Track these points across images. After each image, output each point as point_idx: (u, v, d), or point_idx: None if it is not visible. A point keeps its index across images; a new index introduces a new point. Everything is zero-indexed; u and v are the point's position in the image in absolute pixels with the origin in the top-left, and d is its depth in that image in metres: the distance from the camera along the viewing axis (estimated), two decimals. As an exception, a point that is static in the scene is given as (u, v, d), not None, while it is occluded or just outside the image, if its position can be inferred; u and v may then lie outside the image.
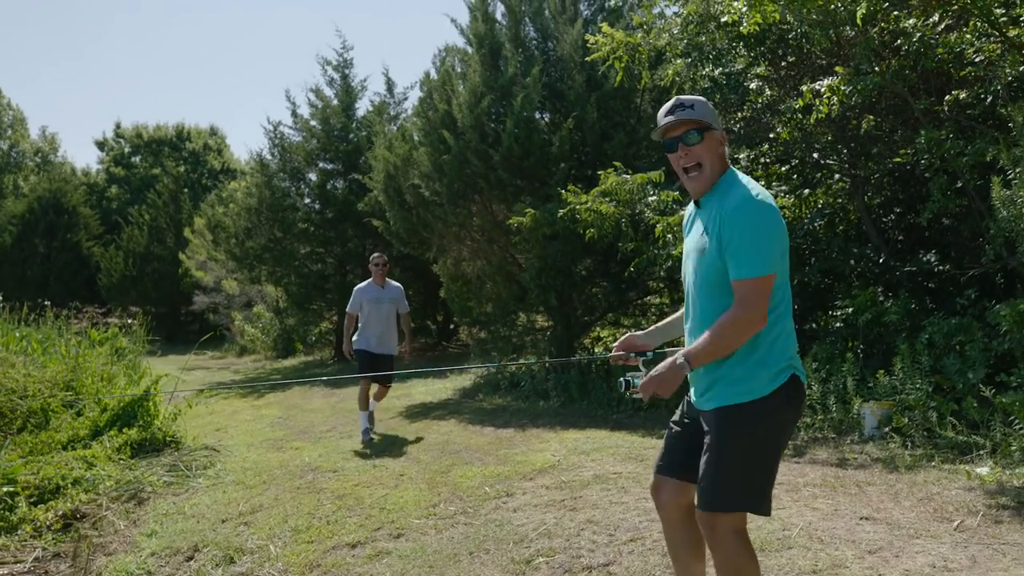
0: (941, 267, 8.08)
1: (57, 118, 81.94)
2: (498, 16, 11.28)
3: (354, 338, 8.74)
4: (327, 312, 19.52)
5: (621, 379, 2.90)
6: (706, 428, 2.75)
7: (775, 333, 2.69)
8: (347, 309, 8.85)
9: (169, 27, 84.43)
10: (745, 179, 2.75)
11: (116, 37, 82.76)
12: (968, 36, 6.30)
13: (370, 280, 8.81)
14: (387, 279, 8.92)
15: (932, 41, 6.24)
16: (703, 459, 2.70)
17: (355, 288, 8.83)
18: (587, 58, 9.38)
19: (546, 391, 10.27)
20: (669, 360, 2.72)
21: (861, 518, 4.17)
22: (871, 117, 6.94)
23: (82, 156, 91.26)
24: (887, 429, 6.22)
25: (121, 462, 7.52)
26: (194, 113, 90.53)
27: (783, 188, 9.87)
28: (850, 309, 7.76)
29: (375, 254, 9.02)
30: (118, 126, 41.28)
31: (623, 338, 3.13)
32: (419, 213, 11.49)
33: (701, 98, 2.83)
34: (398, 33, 79.45)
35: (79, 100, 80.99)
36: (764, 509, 2.70)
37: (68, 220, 33.01)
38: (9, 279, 30.97)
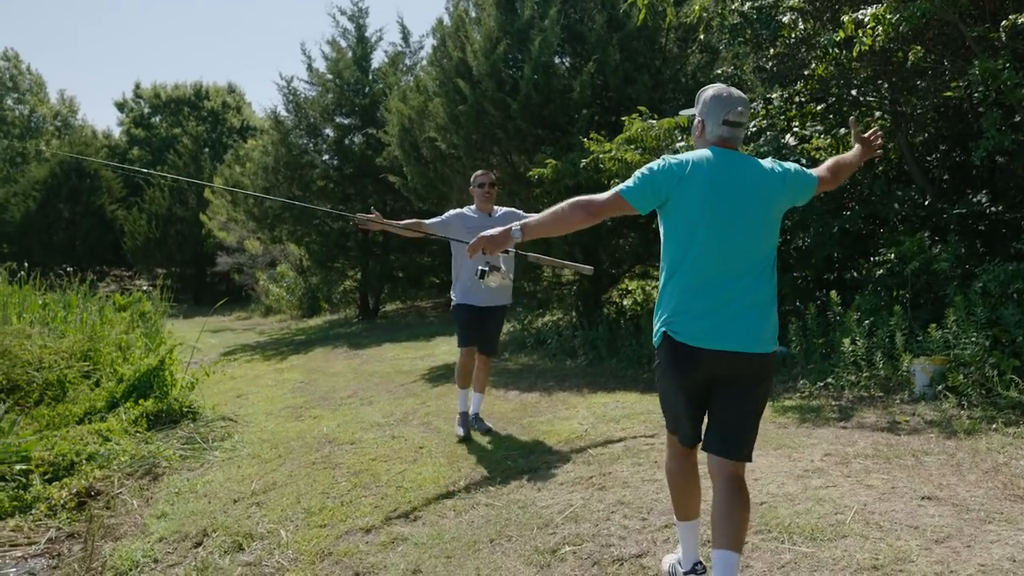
0: (994, 208, 7.53)
1: (76, 81, 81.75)
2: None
3: (452, 291, 6.28)
4: (350, 271, 19.28)
5: (479, 267, 3.62)
6: (749, 376, 2.93)
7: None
8: (427, 221, 6.07)
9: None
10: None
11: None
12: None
13: (472, 206, 6.24)
14: (495, 206, 6.26)
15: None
16: (740, 412, 2.93)
17: (450, 212, 6.25)
18: (607, -5, 8.82)
19: (573, 349, 9.90)
20: (505, 227, 3.19)
21: (922, 498, 3.75)
22: (918, 48, 6.36)
23: (102, 119, 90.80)
24: (940, 388, 5.77)
25: (137, 435, 7.31)
26: (212, 71, 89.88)
27: (818, 128, 9.31)
28: (894, 256, 7.27)
29: (479, 172, 6.36)
30: (137, 86, 41.00)
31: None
32: (436, 167, 11.04)
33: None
34: (415, -19, 78.16)
35: (97, 62, 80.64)
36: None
37: (91, 184, 32.94)
38: (36, 245, 31.05)
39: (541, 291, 11.97)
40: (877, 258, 7.95)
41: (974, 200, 7.67)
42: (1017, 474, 4.02)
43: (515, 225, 3.16)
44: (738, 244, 2.87)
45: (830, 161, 3.44)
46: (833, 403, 6.10)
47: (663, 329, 2.94)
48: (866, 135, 3.61)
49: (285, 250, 22.78)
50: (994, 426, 4.97)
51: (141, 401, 7.93)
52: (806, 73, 8.99)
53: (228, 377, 11.85)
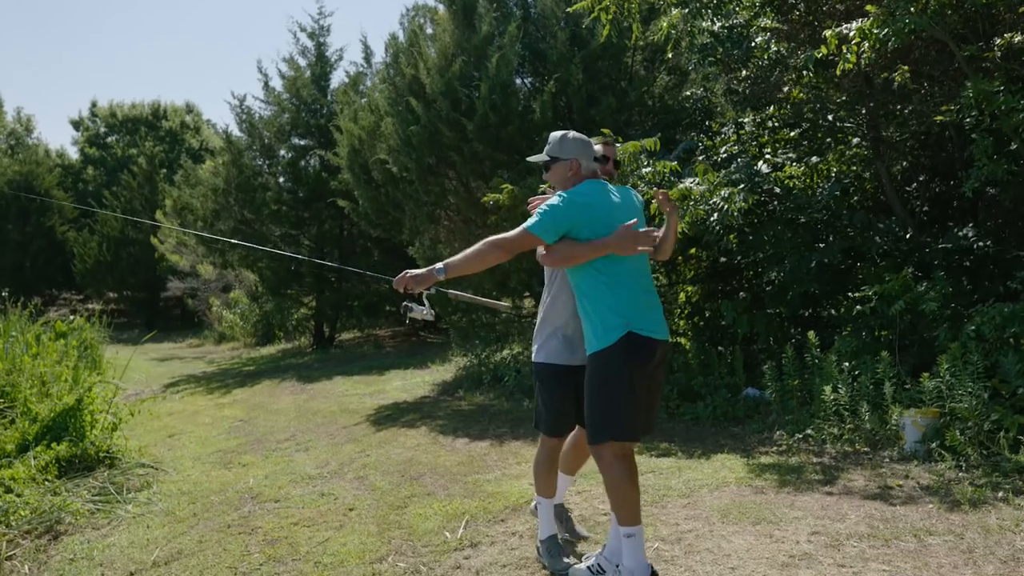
0: (981, 243, 6.99)
1: (33, 99, 79.95)
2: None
3: (536, 343, 3.90)
4: (305, 298, 18.51)
5: (404, 304, 3.71)
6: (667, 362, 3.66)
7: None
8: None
9: (145, 2, 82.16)
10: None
11: (90, 14, 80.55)
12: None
13: None
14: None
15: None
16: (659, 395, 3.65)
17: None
18: (569, 8, 8.21)
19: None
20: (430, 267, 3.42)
21: (936, 600, 3.09)
22: (904, 68, 5.81)
23: (58, 137, 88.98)
24: (934, 444, 5.15)
25: (46, 484, 6.49)
26: (170, 90, 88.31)
27: (790, 155, 8.78)
28: (872, 293, 6.68)
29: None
30: (94, 104, 39.84)
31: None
32: (388, 191, 10.35)
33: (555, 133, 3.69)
34: (380, 2, 77.43)
35: (54, 79, 78.92)
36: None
37: (41, 204, 31.74)
38: (-16, 267, 29.79)
39: (500, 323, 11.28)
40: (856, 295, 7.38)
41: (959, 234, 7.13)
42: (1043, 566, 3.37)
43: (438, 265, 3.39)
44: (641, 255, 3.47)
45: None
46: (815, 460, 5.45)
47: (623, 326, 3.33)
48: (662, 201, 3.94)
49: (240, 275, 21.92)
50: (1000, 494, 4.34)
51: (54, 444, 7.12)
52: (780, 96, 8.48)
53: (165, 413, 11.05)
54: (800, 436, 5.99)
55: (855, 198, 8.75)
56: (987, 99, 5.40)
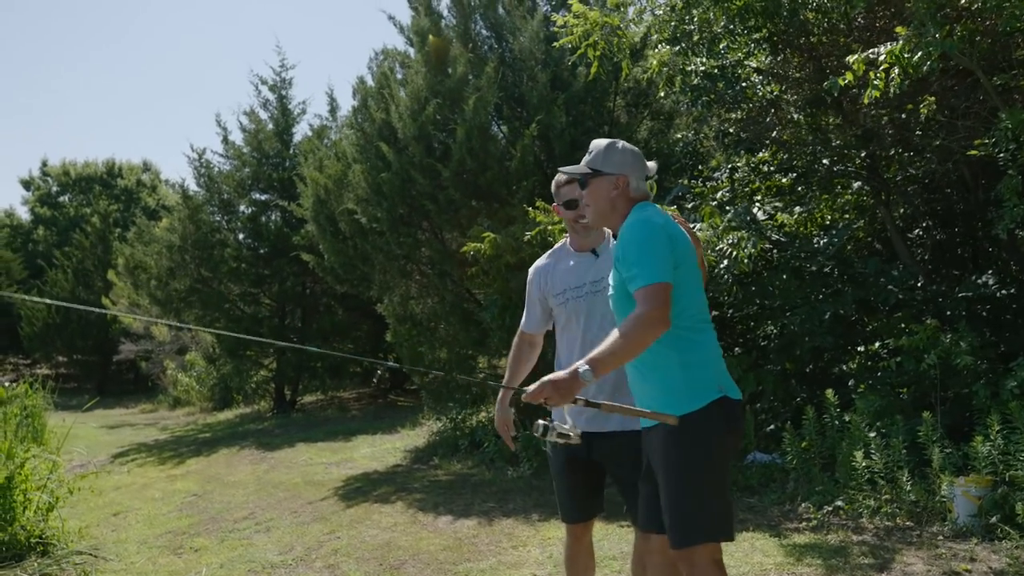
0: (1006, 291, 6.48)
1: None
2: (443, 10, 9.59)
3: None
4: (264, 359, 17.63)
5: (539, 422, 2.65)
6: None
7: None
8: (522, 325, 3.59)
9: (99, 58, 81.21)
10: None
11: (42, 69, 79.38)
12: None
13: (562, 244, 3.56)
14: (608, 233, 3.43)
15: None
16: None
17: (532, 268, 3.58)
18: (555, 43, 7.68)
19: (515, 454, 8.45)
20: (563, 371, 2.62)
21: None
22: (931, 99, 5.33)
23: (8, 197, 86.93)
24: (994, 519, 4.51)
25: (-33, 577, 5.69)
26: (126, 148, 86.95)
27: (776, 204, 8.33)
28: (900, 346, 6.10)
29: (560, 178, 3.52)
30: (44, 163, 38.74)
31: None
32: (356, 244, 9.64)
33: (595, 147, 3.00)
34: (346, 54, 77.57)
35: (2, 139, 77.20)
36: None
37: (-13, 266, 30.57)
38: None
39: (476, 384, 10.53)
40: (874, 348, 6.80)
41: (979, 281, 6.62)
42: None
43: (581, 365, 2.57)
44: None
45: None
46: (855, 538, 4.78)
47: (716, 389, 2.70)
48: None
49: (196, 336, 20.97)
50: (1092, 581, 3.70)
51: (-22, 531, 6.27)
52: (772, 136, 8.02)
53: (111, 487, 10.15)
54: (829, 509, 5.32)
55: (848, 247, 8.29)
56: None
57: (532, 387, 2.60)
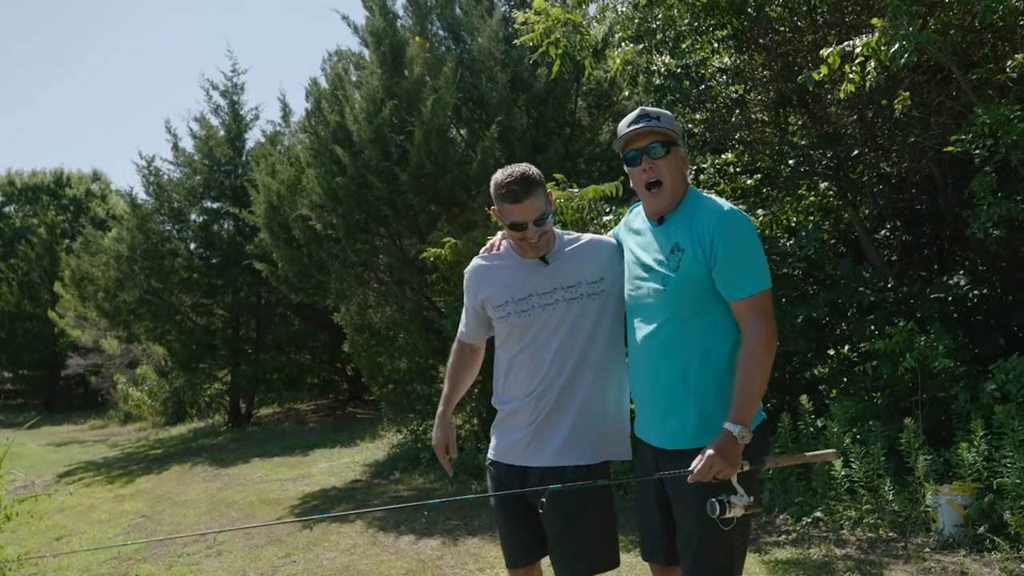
0: (978, 291, 6.36)
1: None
2: (399, 10, 9.30)
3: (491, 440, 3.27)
4: (219, 372, 17.15)
5: (712, 501, 2.34)
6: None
7: None
8: (459, 334, 3.20)
9: (47, 65, 79.47)
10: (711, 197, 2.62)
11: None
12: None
13: (503, 244, 3.01)
14: (559, 236, 2.94)
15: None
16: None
17: (467, 270, 3.08)
18: (515, 42, 7.43)
19: (478, 467, 8.16)
20: (719, 438, 2.40)
21: None
22: (906, 95, 5.17)
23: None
24: (982, 528, 4.32)
25: None
26: (75, 157, 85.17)
27: (742, 204, 8.17)
28: (863, 348, 5.96)
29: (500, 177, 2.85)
30: (-11, 173, 37.64)
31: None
32: (311, 251, 9.30)
33: (667, 112, 2.62)
34: (299, 59, 76.64)
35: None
36: None
37: (-72, 279, 29.46)
38: None
39: (436, 395, 10.23)
40: (842, 353, 6.64)
41: (951, 282, 6.49)
42: None
43: (733, 428, 2.39)
44: None
45: None
46: (838, 551, 4.57)
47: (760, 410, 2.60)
48: None
49: (148, 349, 20.35)
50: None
51: (-91, 560, 5.87)
52: (737, 137, 7.87)
53: (55, 509, 9.71)
54: (809, 520, 5.12)
55: (811, 250, 8.17)
56: (1002, 126, 4.76)
57: (698, 465, 2.37)
